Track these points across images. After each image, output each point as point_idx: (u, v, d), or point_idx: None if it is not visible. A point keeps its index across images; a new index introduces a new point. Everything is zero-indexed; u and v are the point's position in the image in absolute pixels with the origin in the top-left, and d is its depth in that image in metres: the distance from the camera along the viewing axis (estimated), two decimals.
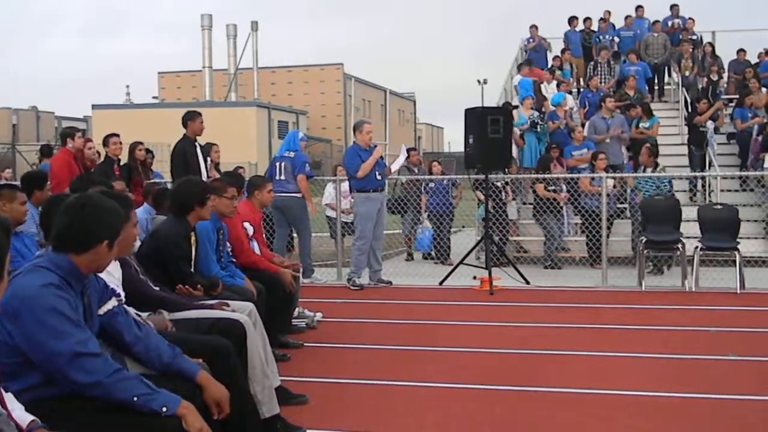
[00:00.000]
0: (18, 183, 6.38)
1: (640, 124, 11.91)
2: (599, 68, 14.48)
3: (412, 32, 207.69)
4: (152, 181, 8.91)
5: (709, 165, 11.80)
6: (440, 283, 8.81)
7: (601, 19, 16.56)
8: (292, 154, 8.85)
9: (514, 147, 10.56)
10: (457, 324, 6.88)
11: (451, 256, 10.77)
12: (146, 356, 2.96)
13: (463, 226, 12.73)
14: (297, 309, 6.49)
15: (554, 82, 13.78)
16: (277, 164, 8.91)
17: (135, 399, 2.54)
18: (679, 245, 8.55)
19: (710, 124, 12.31)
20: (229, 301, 4.34)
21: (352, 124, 9.63)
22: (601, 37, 15.99)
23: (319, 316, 6.76)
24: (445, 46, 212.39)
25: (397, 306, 7.79)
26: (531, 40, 16.20)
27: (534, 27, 16.22)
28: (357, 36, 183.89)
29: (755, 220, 10.63)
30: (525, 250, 11.02)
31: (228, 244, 5.50)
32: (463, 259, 9.05)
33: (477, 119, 8.70)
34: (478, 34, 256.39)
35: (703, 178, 11.48)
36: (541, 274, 9.48)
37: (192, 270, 4.67)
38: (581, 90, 14.84)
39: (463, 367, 5.38)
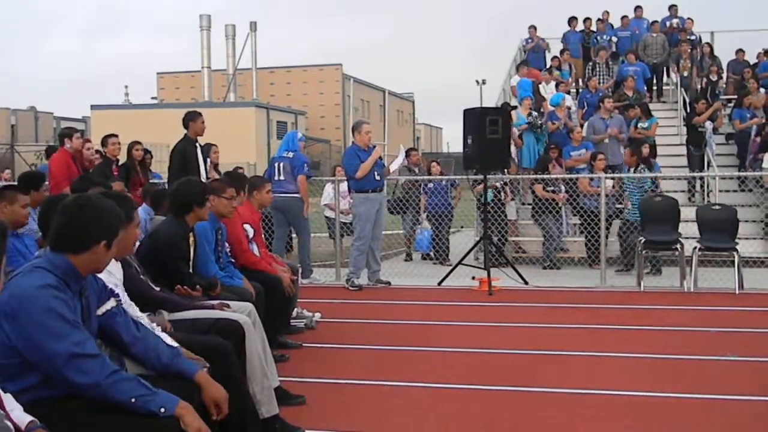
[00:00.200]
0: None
1: (639, 125, 11.91)
2: (598, 69, 14.49)
3: (412, 32, 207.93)
4: (152, 181, 8.91)
5: (708, 165, 11.80)
6: (439, 284, 8.81)
7: (599, 19, 16.59)
8: (291, 155, 8.85)
9: (513, 147, 10.57)
10: (455, 324, 6.88)
11: (449, 257, 10.77)
12: (145, 356, 2.96)
13: (462, 227, 12.74)
14: (296, 309, 6.49)
15: (553, 83, 13.79)
16: (276, 165, 8.90)
17: (133, 400, 2.55)
18: (678, 245, 8.56)
19: (709, 125, 12.30)
20: (228, 302, 4.34)
21: (351, 124, 9.63)
22: (599, 37, 16.01)
23: (317, 316, 6.76)
24: (444, 46, 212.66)
25: (396, 306, 7.79)
26: (530, 40, 16.21)
27: (533, 27, 16.23)
28: (356, 36, 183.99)
29: (754, 221, 10.63)
30: (524, 250, 11.01)
31: (227, 245, 5.50)
32: (462, 259, 9.05)
33: (476, 119, 8.70)
34: (478, 35, 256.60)
35: (701, 178, 11.48)
36: (539, 275, 9.48)
37: (191, 270, 4.67)
38: (580, 90, 14.86)
39: (461, 367, 5.38)
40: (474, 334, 6.53)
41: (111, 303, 2.96)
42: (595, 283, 8.85)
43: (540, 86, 13.44)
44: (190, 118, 8.04)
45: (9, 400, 2.36)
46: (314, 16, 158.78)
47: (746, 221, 10.19)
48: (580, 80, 15.47)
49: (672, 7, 16.37)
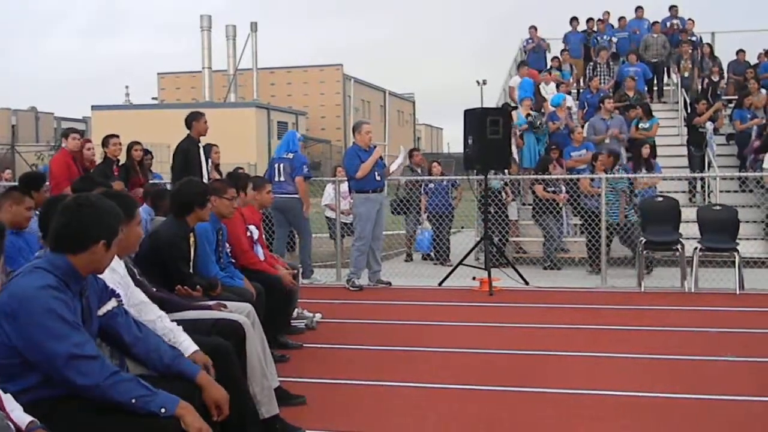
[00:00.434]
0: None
1: (640, 125, 11.91)
2: (598, 69, 14.49)
3: (412, 33, 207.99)
4: (152, 182, 8.91)
5: (709, 166, 11.80)
6: (439, 284, 8.81)
7: (599, 20, 16.60)
8: (290, 156, 8.85)
9: (513, 147, 10.57)
10: (456, 325, 6.89)
11: (450, 257, 10.77)
12: (146, 357, 2.96)
13: (463, 227, 12.74)
14: (296, 310, 6.49)
15: (553, 83, 13.78)
16: (276, 166, 8.91)
17: (133, 401, 2.55)
18: (679, 246, 8.56)
19: (709, 125, 12.30)
20: (228, 302, 4.34)
21: (352, 124, 9.63)
22: (599, 38, 16.01)
23: (318, 316, 6.76)
24: (444, 46, 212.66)
25: (397, 307, 7.79)
26: (530, 40, 16.22)
27: (533, 28, 16.23)
28: (356, 36, 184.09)
29: (754, 221, 10.63)
30: (524, 250, 11.01)
31: (227, 245, 5.50)
32: (463, 259, 9.05)
33: (476, 120, 8.70)
34: (478, 35, 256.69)
35: (702, 179, 11.48)
36: (540, 275, 9.48)
37: (191, 271, 4.67)
38: (581, 91, 14.86)
39: (461, 367, 5.38)
40: (474, 335, 6.53)
41: (112, 303, 2.96)
42: (596, 284, 8.86)
43: (540, 86, 13.45)
44: (194, 118, 8.05)
45: (9, 401, 2.37)
46: (314, 17, 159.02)
47: (747, 222, 10.19)
48: (581, 80, 15.48)
49: (672, 8, 16.37)
